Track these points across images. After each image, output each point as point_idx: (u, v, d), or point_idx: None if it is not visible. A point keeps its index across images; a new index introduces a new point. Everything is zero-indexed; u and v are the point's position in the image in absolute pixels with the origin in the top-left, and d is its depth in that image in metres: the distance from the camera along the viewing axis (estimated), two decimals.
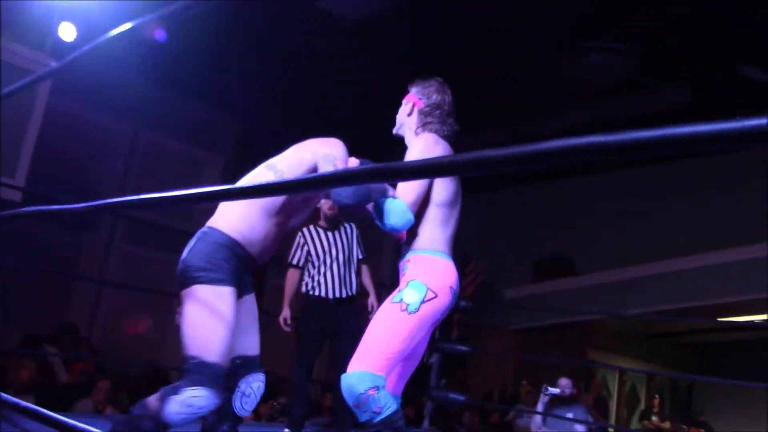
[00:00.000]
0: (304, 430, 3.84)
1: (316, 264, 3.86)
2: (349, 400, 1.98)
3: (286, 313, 3.88)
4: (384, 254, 8.24)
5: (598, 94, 6.93)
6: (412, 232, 2.21)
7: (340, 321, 3.81)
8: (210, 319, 2.01)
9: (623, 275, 8.18)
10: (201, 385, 1.96)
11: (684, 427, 9.36)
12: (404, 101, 2.38)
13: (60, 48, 4.92)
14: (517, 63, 6.36)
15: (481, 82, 6.72)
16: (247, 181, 2.25)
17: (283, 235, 2.30)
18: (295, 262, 3.93)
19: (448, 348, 4.83)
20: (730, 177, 8.14)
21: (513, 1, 5.48)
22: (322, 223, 3.97)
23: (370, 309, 3.99)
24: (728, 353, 11.72)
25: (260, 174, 2.26)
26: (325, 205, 3.85)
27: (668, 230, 8.42)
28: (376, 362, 1.98)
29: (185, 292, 2.07)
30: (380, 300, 3.99)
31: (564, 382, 5.22)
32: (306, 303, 3.87)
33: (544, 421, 5.18)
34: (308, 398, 3.84)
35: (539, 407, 5.22)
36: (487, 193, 8.97)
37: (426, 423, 5.34)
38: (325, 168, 2.17)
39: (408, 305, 2.05)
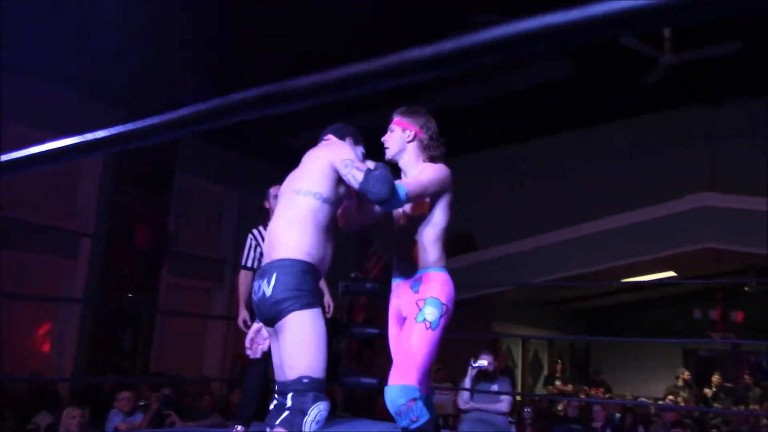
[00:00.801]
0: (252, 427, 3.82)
1: None
2: (391, 409, 2.28)
3: (244, 314, 3.81)
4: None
5: (486, 73, 7.03)
6: (415, 251, 2.48)
7: None
8: (313, 340, 2.19)
9: (520, 247, 8.42)
10: (321, 400, 2.16)
11: (585, 387, 9.83)
12: (400, 128, 2.58)
13: None
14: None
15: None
16: (284, 211, 2.41)
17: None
18: (248, 264, 3.90)
19: (358, 332, 4.76)
20: (609, 150, 8.60)
21: None
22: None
23: (327, 308, 3.99)
24: (616, 315, 12.52)
25: (298, 201, 2.39)
26: (274, 205, 3.74)
27: (558, 202, 8.76)
28: (412, 376, 2.28)
29: (282, 322, 2.22)
30: (335, 299, 4.19)
31: (487, 356, 5.29)
32: (253, 303, 3.74)
33: (471, 396, 5.22)
34: (259, 397, 3.79)
35: (467, 382, 5.27)
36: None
37: (338, 411, 5.30)
38: (349, 173, 2.33)
39: (431, 323, 2.37)
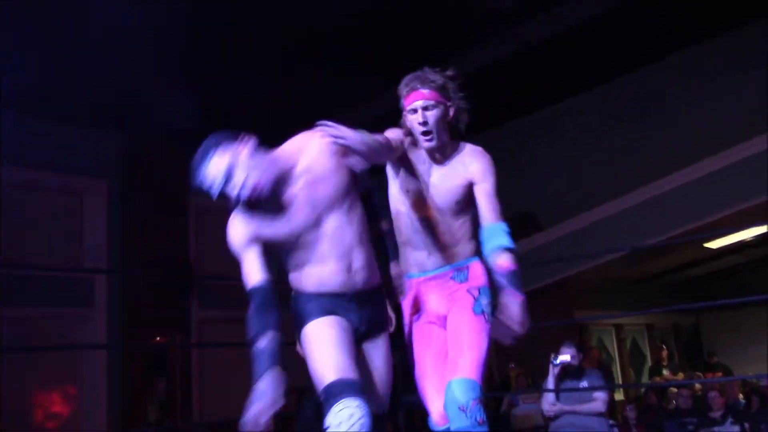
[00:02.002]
0: None
1: None
2: (454, 405, 2.14)
3: None
4: None
5: (510, 22, 6.48)
6: (456, 241, 2.34)
7: None
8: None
9: (592, 218, 7.54)
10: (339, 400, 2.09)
11: (699, 374, 8.89)
12: (442, 105, 2.26)
13: None
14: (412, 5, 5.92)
15: (383, 36, 6.26)
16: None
17: None
18: None
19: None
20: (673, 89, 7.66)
21: None
22: None
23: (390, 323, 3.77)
24: (719, 283, 11.33)
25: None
26: None
27: (622, 161, 7.92)
28: (478, 373, 2.20)
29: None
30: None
31: (569, 349, 4.88)
32: None
33: (557, 397, 4.84)
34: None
35: (550, 382, 4.91)
36: None
37: None
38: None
39: (487, 316, 2.30)
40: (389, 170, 2.41)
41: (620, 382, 10.14)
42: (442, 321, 2.36)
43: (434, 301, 2.37)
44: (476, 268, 2.38)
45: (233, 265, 6.56)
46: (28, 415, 6.58)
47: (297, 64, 6.65)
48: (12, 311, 6.45)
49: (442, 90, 2.27)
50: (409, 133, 2.33)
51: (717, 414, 5.75)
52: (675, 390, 7.11)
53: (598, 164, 8.17)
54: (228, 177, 2.00)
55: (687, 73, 7.76)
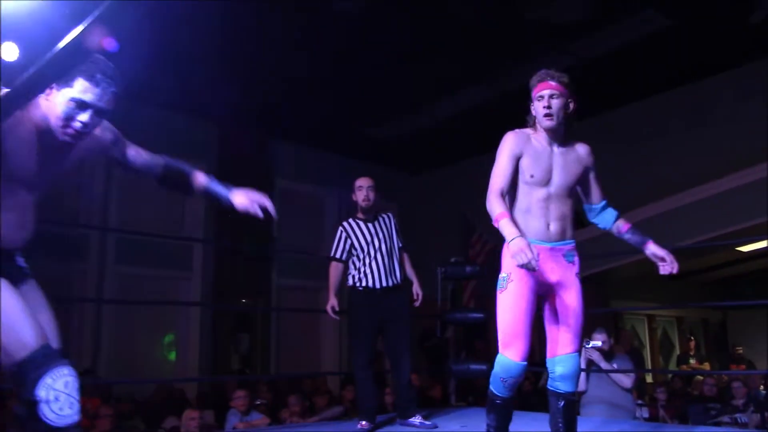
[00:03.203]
0: (377, 419, 3.89)
1: (361, 256, 3.92)
2: (569, 373, 2.59)
3: (333, 301, 3.96)
4: None
5: (571, 35, 6.65)
6: (568, 220, 2.61)
7: (391, 309, 3.86)
8: None
9: (636, 217, 7.89)
10: None
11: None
12: (564, 96, 2.62)
13: (4, 69, 4.68)
14: (478, 16, 6.10)
15: (443, 43, 6.53)
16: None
17: (30, 217, 1.97)
18: (338, 255, 3.98)
19: (462, 317, 4.60)
20: (717, 102, 7.87)
21: None
22: (360, 215, 4.04)
23: (415, 297, 4.05)
24: (750, 284, 11.43)
25: None
26: (360, 196, 3.98)
27: (666, 166, 8.15)
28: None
29: None
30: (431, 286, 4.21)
31: (600, 335, 4.98)
32: (355, 295, 3.91)
33: (587, 378, 4.91)
34: (374, 388, 3.88)
35: (582, 363, 4.99)
36: (484, 156, 8.70)
37: (453, 399, 5.15)
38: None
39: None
40: (509, 155, 2.59)
41: (650, 367, 10.52)
42: (546, 289, 2.59)
43: (548, 271, 2.56)
44: (576, 252, 2.63)
45: (308, 240, 7.31)
46: (131, 359, 7.18)
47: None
48: (123, 269, 7.06)
49: (566, 86, 2.61)
50: (534, 122, 2.65)
51: (739, 402, 5.75)
52: (701, 378, 7.50)
53: (644, 168, 8.24)
54: None
55: (733, 89, 7.95)
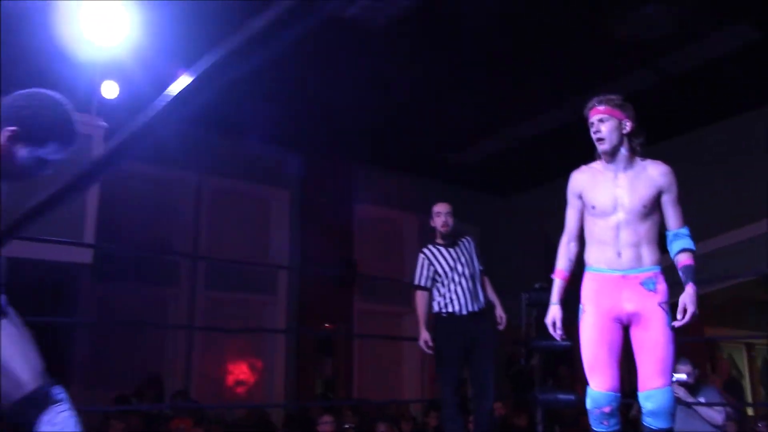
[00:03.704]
0: None
1: (445, 282, 3.89)
2: (661, 411, 2.45)
3: (425, 335, 3.87)
4: None
5: (657, 50, 6.45)
6: (644, 245, 2.52)
7: (476, 335, 3.82)
8: None
9: (730, 239, 7.50)
10: None
11: None
12: (616, 118, 2.55)
13: (105, 107, 4.99)
14: (561, 36, 6.01)
15: (525, 64, 6.46)
16: None
17: None
18: (422, 283, 3.95)
19: (548, 345, 4.48)
20: None
21: None
22: (439, 240, 4.02)
23: (499, 320, 3.98)
24: None
25: None
26: (438, 222, 3.95)
27: (760, 188, 7.70)
28: (669, 380, 2.48)
29: None
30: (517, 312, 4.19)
31: (684, 367, 4.68)
32: (440, 322, 3.87)
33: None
34: (460, 415, 3.84)
35: None
36: (566, 179, 8.52)
37: (540, 429, 5.00)
38: None
39: (673, 327, 2.49)
40: (570, 198, 2.67)
41: (750, 398, 9.91)
42: (625, 318, 2.51)
43: (623, 300, 2.49)
44: (662, 279, 2.51)
45: (388, 265, 7.35)
46: (219, 381, 7.40)
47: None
48: (212, 294, 7.27)
49: (617, 107, 2.54)
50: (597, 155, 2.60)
51: None
52: None
53: (736, 189, 8.02)
54: None
55: None
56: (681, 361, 4.77)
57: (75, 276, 5.71)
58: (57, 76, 4.74)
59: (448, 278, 3.87)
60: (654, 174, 2.56)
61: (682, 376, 4.60)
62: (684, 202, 2.61)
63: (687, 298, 2.46)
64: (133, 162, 6.37)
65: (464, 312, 3.82)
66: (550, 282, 8.22)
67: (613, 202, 2.54)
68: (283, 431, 6.35)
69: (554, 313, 2.67)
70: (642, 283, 2.49)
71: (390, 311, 8.58)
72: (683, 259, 2.53)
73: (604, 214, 2.55)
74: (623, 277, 2.50)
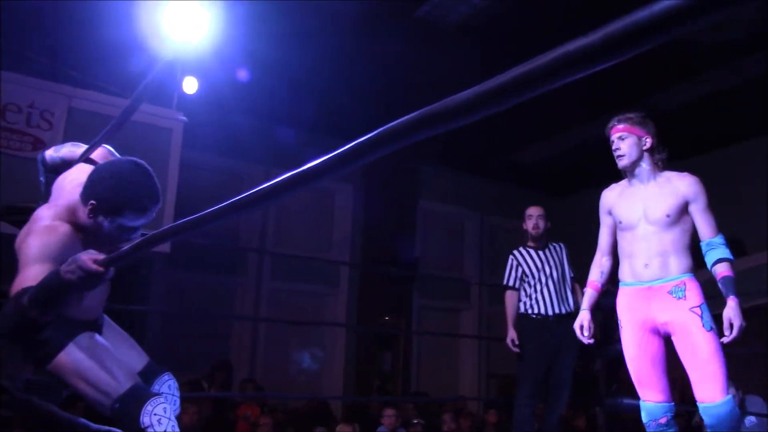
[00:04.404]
0: None
1: (532, 283, 3.95)
2: (722, 425, 2.33)
3: (512, 334, 3.93)
4: None
5: (731, 54, 6.22)
6: (673, 255, 2.48)
7: (563, 337, 3.82)
8: None
9: None
10: None
11: None
12: (635, 135, 2.58)
13: (185, 101, 5.17)
14: None
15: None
16: None
17: (106, 291, 2.14)
18: (511, 283, 4.02)
19: (615, 351, 4.42)
20: None
21: None
22: (530, 243, 4.09)
23: (588, 330, 3.95)
24: None
25: None
26: (529, 225, 4.03)
27: None
28: (726, 388, 2.36)
29: None
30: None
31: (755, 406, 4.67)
32: (527, 322, 3.93)
33: None
34: (533, 422, 3.89)
35: None
36: None
37: None
38: None
39: (715, 329, 2.40)
40: (601, 216, 2.73)
41: None
42: (661, 329, 2.48)
43: (654, 311, 2.46)
44: (693, 285, 2.44)
45: (448, 262, 7.34)
46: (282, 369, 7.55)
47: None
48: (277, 284, 7.48)
49: (637, 124, 2.56)
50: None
51: None
52: None
53: None
54: None
55: None
56: (750, 400, 4.78)
57: (151, 263, 5.93)
58: (141, 72, 4.94)
59: (534, 279, 3.92)
60: (678, 184, 2.54)
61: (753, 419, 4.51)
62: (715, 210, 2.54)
63: (730, 312, 2.37)
64: (207, 153, 6.58)
65: (550, 313, 3.85)
66: (614, 283, 8.11)
67: (637, 215, 2.56)
68: (342, 420, 6.47)
69: (583, 317, 2.70)
70: (670, 292, 2.46)
71: (449, 307, 8.61)
72: (721, 270, 2.44)
73: (630, 227, 2.57)
74: (650, 288, 2.50)
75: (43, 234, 1.77)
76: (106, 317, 2.17)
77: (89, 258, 1.54)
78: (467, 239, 8.97)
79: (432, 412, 6.58)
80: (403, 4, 5.33)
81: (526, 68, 0.58)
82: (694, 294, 2.44)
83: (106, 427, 1.68)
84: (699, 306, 2.41)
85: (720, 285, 2.43)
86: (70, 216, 1.88)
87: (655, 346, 2.50)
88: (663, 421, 2.46)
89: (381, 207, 7.96)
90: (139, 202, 1.84)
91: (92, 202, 1.84)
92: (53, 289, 1.56)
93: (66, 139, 4.42)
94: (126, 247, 1.39)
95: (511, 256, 4.04)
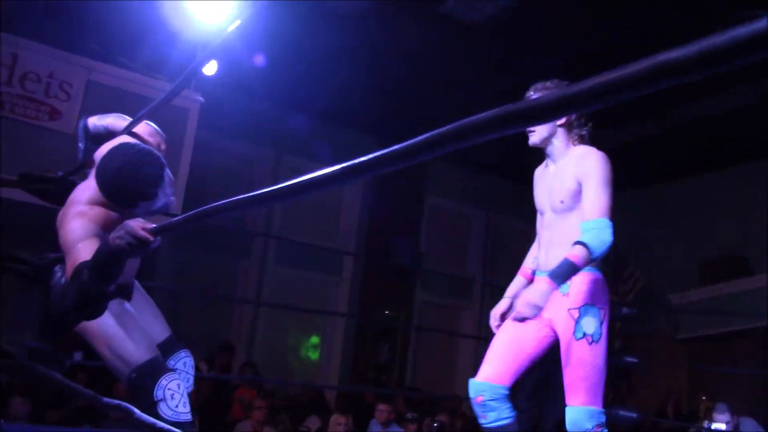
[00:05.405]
0: None
1: None
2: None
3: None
4: None
5: (761, 69, 6.18)
6: (566, 244, 2.14)
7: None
8: None
9: None
10: None
11: None
12: None
13: (204, 83, 5.17)
14: (659, 40, 5.82)
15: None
16: None
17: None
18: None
19: (615, 361, 4.43)
20: None
21: None
22: None
23: None
24: None
25: None
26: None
27: None
28: (598, 399, 2.16)
29: None
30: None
31: (723, 415, 4.51)
32: None
33: None
34: (532, 410, 3.90)
35: None
36: (643, 189, 8.32)
37: None
38: None
39: (592, 336, 2.14)
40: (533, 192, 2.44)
41: None
42: (545, 322, 2.26)
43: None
44: (583, 281, 2.17)
45: (453, 258, 7.33)
46: (282, 354, 7.61)
47: None
48: (281, 270, 7.49)
49: None
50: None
51: None
52: None
53: None
54: None
55: None
56: (718, 408, 4.61)
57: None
58: (164, 52, 4.95)
59: None
60: (572, 162, 2.22)
61: (722, 426, 4.44)
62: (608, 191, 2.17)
63: (529, 290, 2.08)
64: (217, 134, 6.57)
65: None
66: (615, 291, 8.11)
67: (545, 201, 2.34)
68: (336, 409, 6.49)
69: (500, 305, 2.43)
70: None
71: (450, 304, 8.63)
72: (570, 252, 2.05)
73: (541, 213, 2.38)
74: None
75: (77, 218, 1.84)
76: (136, 282, 2.22)
77: (139, 225, 1.59)
78: (473, 237, 8.98)
79: (425, 409, 6.60)
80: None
81: (620, 74, 0.56)
82: (579, 292, 2.16)
83: (116, 401, 1.71)
84: (579, 308, 2.15)
85: (560, 263, 2.07)
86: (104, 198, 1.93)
87: (529, 329, 2.24)
88: (479, 400, 2.23)
89: (389, 200, 7.97)
90: (149, 195, 1.89)
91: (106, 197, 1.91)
92: (106, 257, 1.63)
93: (83, 112, 4.46)
94: (175, 219, 1.44)
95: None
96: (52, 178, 2.30)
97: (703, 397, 6.81)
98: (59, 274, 1.99)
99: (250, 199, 1.09)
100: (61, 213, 1.90)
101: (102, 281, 1.68)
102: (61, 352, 2.24)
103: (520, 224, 7.22)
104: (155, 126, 2.21)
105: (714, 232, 8.14)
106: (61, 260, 1.92)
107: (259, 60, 5.79)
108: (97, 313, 1.83)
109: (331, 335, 7.82)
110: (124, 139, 2.07)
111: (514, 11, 5.36)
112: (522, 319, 2.12)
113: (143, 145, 1.95)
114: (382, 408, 5.15)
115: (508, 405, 2.26)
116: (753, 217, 7.92)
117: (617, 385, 6.99)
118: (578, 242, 2.05)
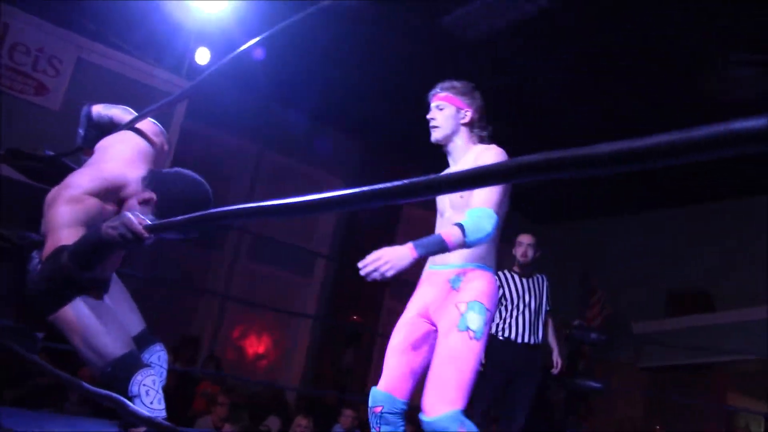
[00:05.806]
0: None
1: (509, 308, 3.96)
2: None
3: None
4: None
5: (736, 113, 6.29)
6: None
7: (524, 365, 3.87)
8: None
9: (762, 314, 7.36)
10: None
11: None
12: (454, 107, 2.31)
13: (195, 72, 5.13)
14: (648, 79, 5.95)
15: (604, 102, 6.38)
16: None
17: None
18: None
19: (580, 384, 4.51)
20: None
21: (645, 12, 5.08)
22: (516, 269, 4.11)
23: (555, 365, 4.06)
24: None
25: None
26: (518, 252, 4.04)
27: None
28: (460, 399, 2.00)
29: None
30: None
31: None
32: (493, 344, 3.89)
33: None
34: None
35: None
36: (615, 218, 8.45)
37: None
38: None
39: (475, 333, 2.06)
40: None
41: None
42: (428, 316, 2.23)
43: (429, 295, 2.23)
44: (476, 277, 2.17)
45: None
46: (244, 351, 7.54)
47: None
48: (253, 266, 7.49)
49: (460, 94, 2.30)
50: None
51: None
52: None
53: None
54: None
55: None
56: None
57: None
58: (154, 37, 4.89)
59: (512, 305, 3.95)
60: (471, 159, 2.25)
61: None
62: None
63: (390, 248, 2.00)
64: (201, 123, 6.50)
65: (519, 341, 3.88)
66: (582, 316, 8.22)
67: (442, 200, 2.33)
68: (296, 409, 6.47)
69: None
70: (449, 281, 2.19)
71: None
72: (445, 231, 2.03)
73: (441, 213, 2.35)
74: (432, 273, 2.26)
75: (70, 203, 1.81)
76: (113, 274, 2.18)
77: (137, 219, 1.57)
78: None
79: None
80: (429, 11, 5.35)
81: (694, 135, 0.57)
82: (471, 288, 2.14)
83: (104, 391, 1.69)
84: (468, 302, 2.10)
85: (431, 237, 2.05)
86: (107, 190, 1.90)
87: (418, 333, 2.22)
88: (377, 410, 2.17)
89: (367, 209, 7.92)
90: (185, 227, 1.89)
91: (153, 196, 1.90)
92: (93, 245, 1.60)
93: (70, 89, 4.39)
94: (178, 218, 1.42)
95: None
96: (41, 156, 2.26)
97: (657, 427, 6.94)
98: (36, 261, 1.94)
99: (245, 210, 1.09)
100: (52, 193, 1.86)
101: (81, 267, 1.65)
102: (33, 332, 2.20)
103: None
104: (159, 125, 2.18)
105: (684, 266, 8.29)
106: (41, 245, 1.86)
107: (254, 52, 5.75)
108: (64, 299, 1.81)
109: (297, 336, 7.78)
110: (128, 133, 2.05)
111: (508, 33, 5.41)
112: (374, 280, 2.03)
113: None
114: (348, 413, 5.15)
115: (403, 422, 2.19)
116: (719, 254, 8.11)
117: (576, 406, 7.08)
118: (456, 224, 2.03)
